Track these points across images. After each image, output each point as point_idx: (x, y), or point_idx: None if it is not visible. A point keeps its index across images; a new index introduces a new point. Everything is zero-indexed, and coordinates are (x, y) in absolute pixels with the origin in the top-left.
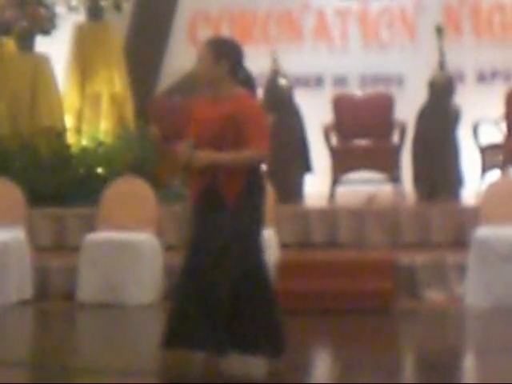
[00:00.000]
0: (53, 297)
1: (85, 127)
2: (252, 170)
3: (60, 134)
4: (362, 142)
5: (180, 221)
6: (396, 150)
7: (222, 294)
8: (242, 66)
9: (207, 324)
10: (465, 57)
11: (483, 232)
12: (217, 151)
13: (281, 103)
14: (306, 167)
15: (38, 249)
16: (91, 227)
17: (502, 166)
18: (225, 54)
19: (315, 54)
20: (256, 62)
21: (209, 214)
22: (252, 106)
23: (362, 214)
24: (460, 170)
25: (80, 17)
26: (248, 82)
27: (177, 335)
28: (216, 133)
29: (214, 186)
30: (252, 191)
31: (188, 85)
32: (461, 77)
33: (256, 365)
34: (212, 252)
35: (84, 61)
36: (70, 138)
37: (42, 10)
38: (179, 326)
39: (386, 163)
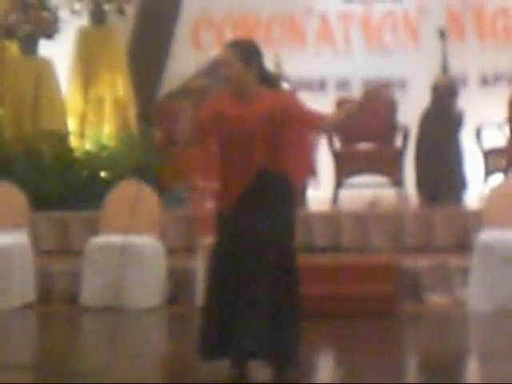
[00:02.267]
0: (56, 300)
1: (88, 131)
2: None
3: (63, 137)
4: (364, 146)
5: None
6: (399, 154)
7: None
8: (265, 67)
9: (256, 329)
10: (468, 60)
11: (486, 236)
12: (249, 148)
13: None
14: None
15: (41, 252)
16: (94, 231)
17: (506, 170)
18: (252, 56)
19: (318, 58)
20: None
21: (262, 204)
22: (292, 98)
23: (365, 218)
24: (463, 174)
25: (83, 21)
26: (271, 81)
27: (222, 345)
28: (257, 131)
29: (276, 168)
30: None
31: (195, 87)
32: (464, 80)
33: (260, 368)
34: (273, 241)
35: (87, 65)
36: (74, 142)
37: (46, 14)
38: (224, 335)
39: (389, 167)
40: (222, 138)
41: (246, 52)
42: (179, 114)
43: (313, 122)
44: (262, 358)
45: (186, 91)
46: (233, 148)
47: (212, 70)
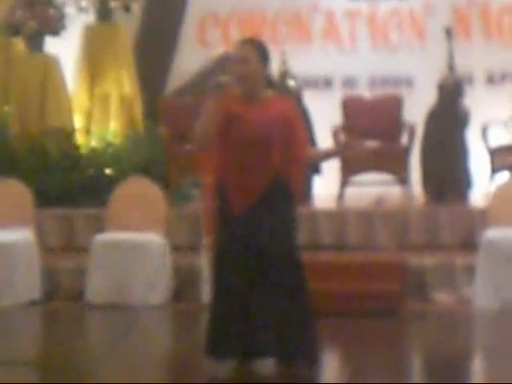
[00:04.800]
0: (61, 297)
1: (94, 128)
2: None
3: (69, 134)
4: (370, 144)
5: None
6: (405, 152)
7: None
8: (270, 70)
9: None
10: (474, 58)
11: (492, 234)
12: (265, 151)
13: None
14: (315, 169)
15: (46, 249)
16: (100, 228)
17: (511, 168)
18: (267, 56)
19: (324, 56)
20: None
21: (274, 207)
22: (296, 110)
23: (371, 216)
24: (469, 172)
25: (89, 17)
26: (275, 85)
27: (231, 344)
28: (268, 133)
29: (281, 176)
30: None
31: (200, 84)
32: (470, 78)
33: (266, 366)
34: (280, 245)
35: (93, 61)
36: (79, 139)
37: (52, 11)
38: (234, 334)
39: (395, 165)
40: (237, 141)
41: (263, 51)
42: (201, 107)
43: (301, 147)
44: (273, 355)
45: (207, 86)
46: (248, 151)
47: (219, 68)
